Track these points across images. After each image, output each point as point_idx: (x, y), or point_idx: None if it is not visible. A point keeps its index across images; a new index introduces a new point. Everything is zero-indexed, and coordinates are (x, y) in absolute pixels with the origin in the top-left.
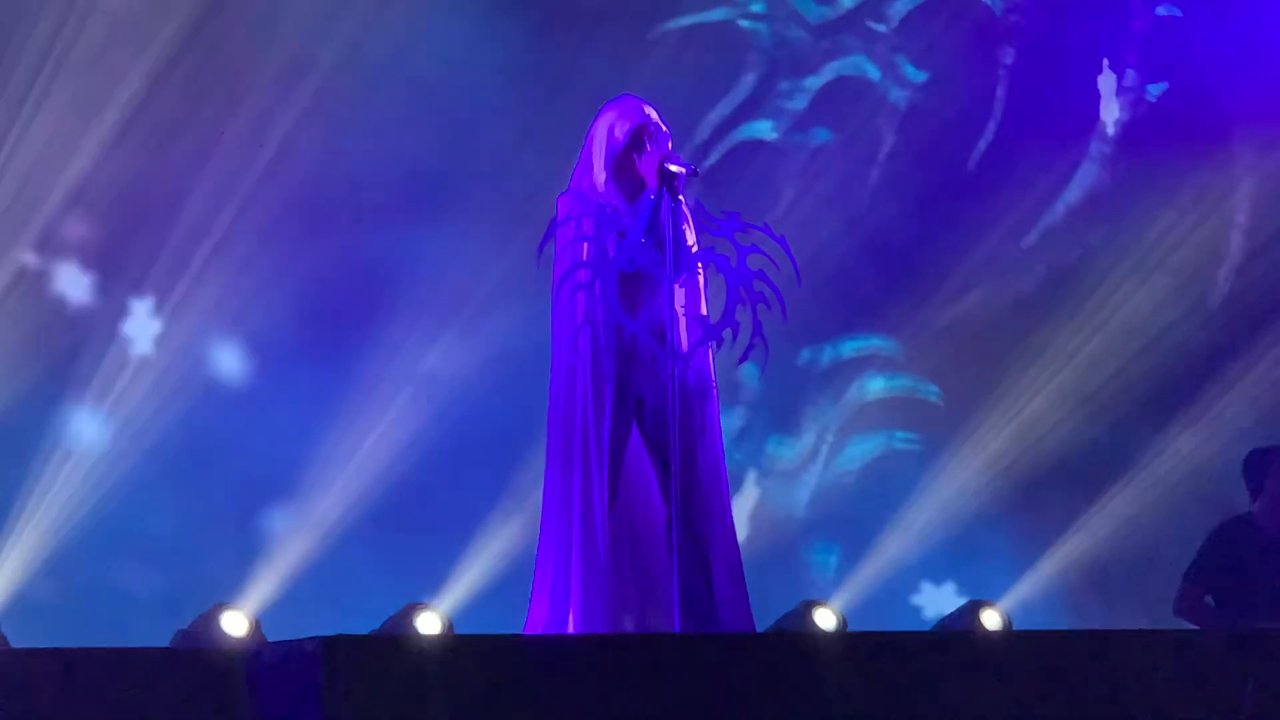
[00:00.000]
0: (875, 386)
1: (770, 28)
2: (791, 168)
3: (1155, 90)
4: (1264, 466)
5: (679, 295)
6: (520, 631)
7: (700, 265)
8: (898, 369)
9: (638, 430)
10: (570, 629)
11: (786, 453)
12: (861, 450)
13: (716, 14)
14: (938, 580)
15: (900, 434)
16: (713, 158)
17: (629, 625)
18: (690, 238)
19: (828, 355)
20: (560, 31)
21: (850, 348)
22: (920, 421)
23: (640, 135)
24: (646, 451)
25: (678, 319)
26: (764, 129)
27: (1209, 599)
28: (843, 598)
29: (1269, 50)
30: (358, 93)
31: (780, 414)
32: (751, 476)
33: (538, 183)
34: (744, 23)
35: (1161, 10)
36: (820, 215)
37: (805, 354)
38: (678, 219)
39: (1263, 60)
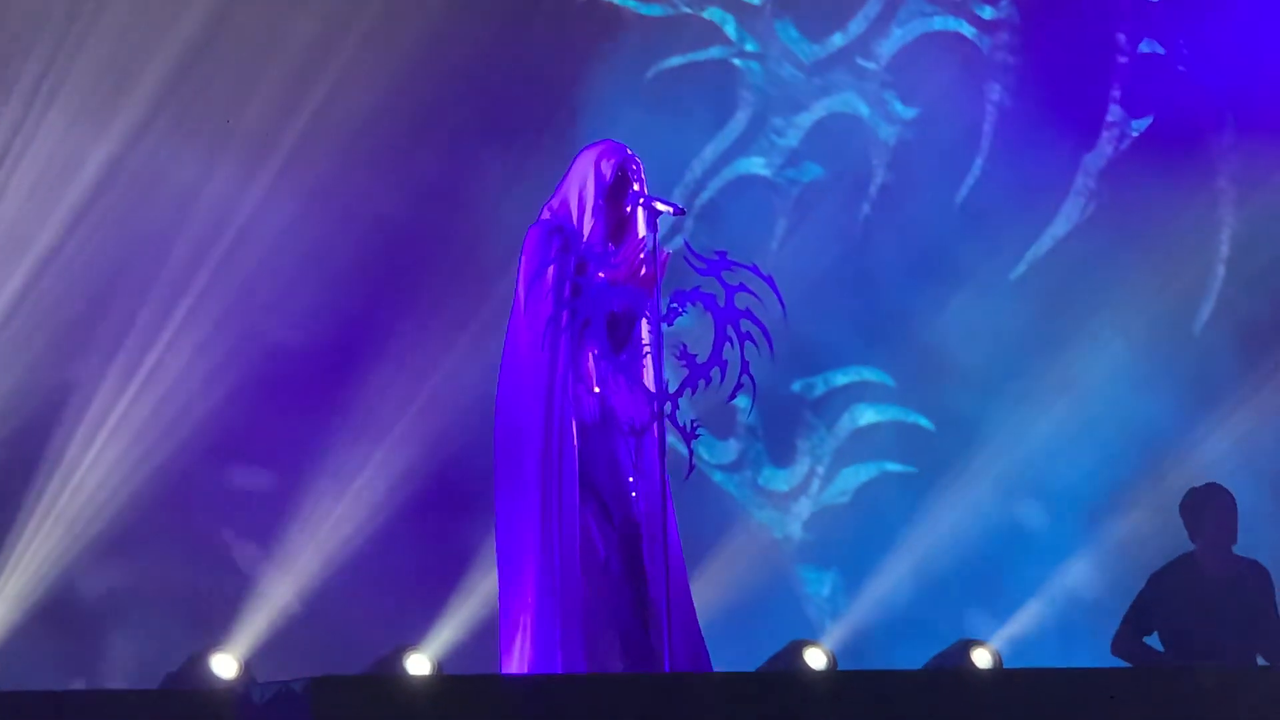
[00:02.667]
0: (867, 417)
1: (763, 66)
2: (784, 203)
3: (1139, 125)
4: (1201, 507)
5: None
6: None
7: (686, 304)
8: (889, 400)
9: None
10: (559, 668)
11: (779, 483)
12: (854, 480)
13: (711, 53)
14: (930, 614)
15: (891, 464)
16: (706, 193)
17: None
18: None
19: (820, 386)
20: (554, 68)
21: (842, 378)
22: (912, 452)
23: (623, 169)
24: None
25: (663, 359)
26: (757, 164)
27: (1153, 640)
28: (835, 630)
29: (1252, 84)
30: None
31: (773, 444)
32: (745, 506)
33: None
34: (738, 61)
35: (1144, 47)
36: (812, 248)
37: (797, 385)
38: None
39: (1246, 95)
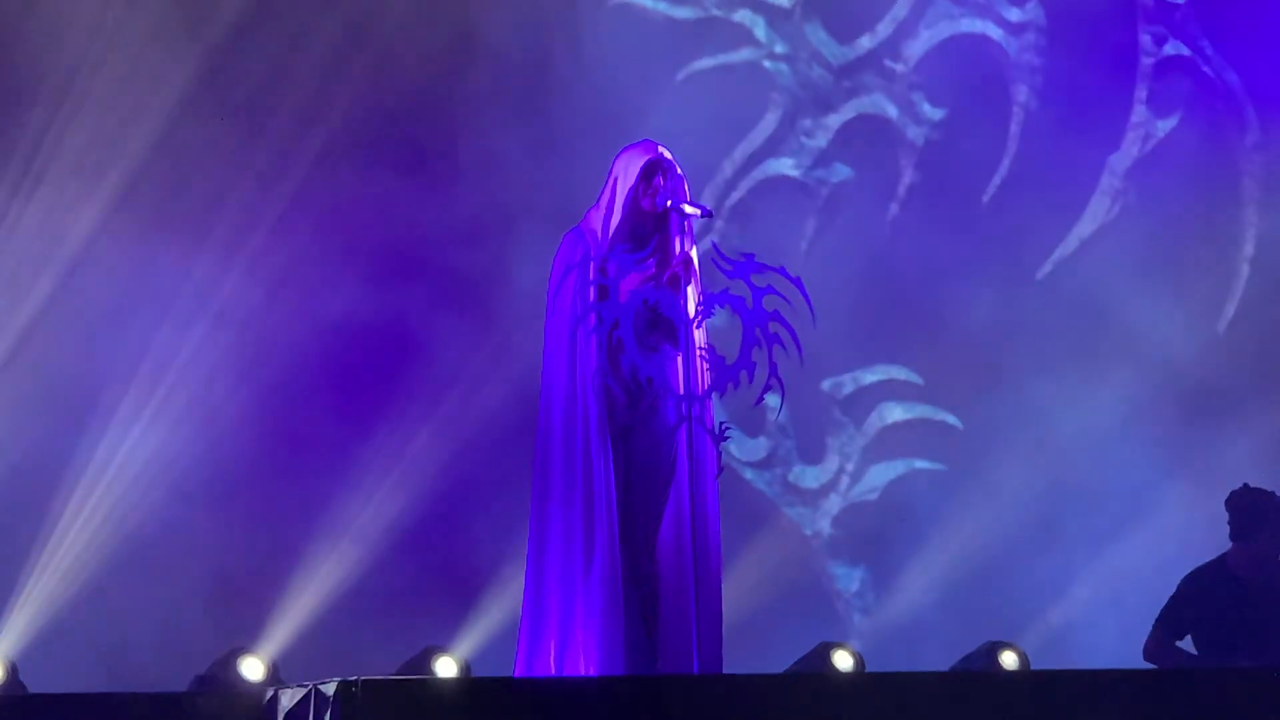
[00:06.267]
0: (895, 414)
1: (792, 68)
2: (813, 203)
3: (1165, 125)
4: (1259, 514)
5: (697, 337)
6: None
7: (715, 307)
8: (917, 398)
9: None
10: (582, 670)
11: (809, 480)
12: (882, 477)
13: (741, 55)
14: (957, 613)
15: (920, 461)
16: (736, 194)
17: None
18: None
19: (849, 385)
20: (585, 70)
21: (871, 377)
22: (940, 450)
23: (653, 170)
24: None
25: (694, 361)
26: (786, 165)
27: (1185, 644)
28: (863, 626)
29: (1277, 86)
30: None
31: (803, 442)
32: (776, 503)
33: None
34: (768, 63)
35: (1169, 48)
36: (841, 249)
37: (827, 383)
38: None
39: (1270, 96)
